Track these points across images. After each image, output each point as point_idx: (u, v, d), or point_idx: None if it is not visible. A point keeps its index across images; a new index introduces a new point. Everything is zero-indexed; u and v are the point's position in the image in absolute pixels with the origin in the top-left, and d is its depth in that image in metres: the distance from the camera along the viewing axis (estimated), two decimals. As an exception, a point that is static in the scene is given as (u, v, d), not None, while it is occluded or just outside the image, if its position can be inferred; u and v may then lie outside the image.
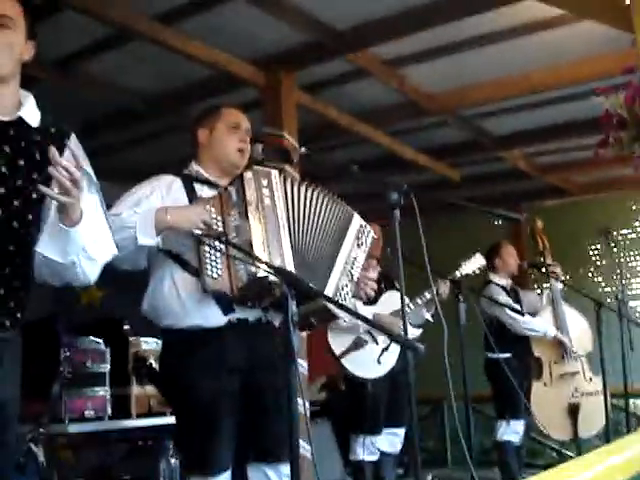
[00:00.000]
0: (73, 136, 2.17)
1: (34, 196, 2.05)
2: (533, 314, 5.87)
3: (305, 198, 2.92)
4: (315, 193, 2.95)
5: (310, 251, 2.87)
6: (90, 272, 2.13)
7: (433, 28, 4.52)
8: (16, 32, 2.07)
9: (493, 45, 4.88)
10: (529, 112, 6.07)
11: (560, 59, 5.09)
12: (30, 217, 2.06)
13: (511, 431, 5.69)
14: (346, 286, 2.93)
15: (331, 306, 2.81)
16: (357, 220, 3.05)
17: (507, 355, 5.54)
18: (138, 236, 2.65)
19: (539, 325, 5.74)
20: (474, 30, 4.69)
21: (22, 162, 2.04)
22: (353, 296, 3.01)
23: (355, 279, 2.97)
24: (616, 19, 3.97)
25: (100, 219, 2.18)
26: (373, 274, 3.12)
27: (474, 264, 5.00)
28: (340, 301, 2.87)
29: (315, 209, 2.92)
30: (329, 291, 2.84)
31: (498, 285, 5.85)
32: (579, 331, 5.88)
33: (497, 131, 6.61)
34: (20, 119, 2.07)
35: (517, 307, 5.66)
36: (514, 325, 5.70)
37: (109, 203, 2.95)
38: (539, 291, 6.43)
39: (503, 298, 5.72)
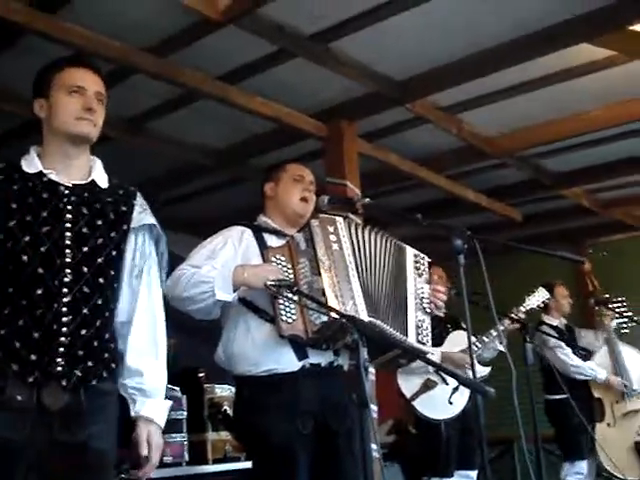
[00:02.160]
0: (139, 195, 2.35)
1: (113, 253, 2.22)
2: (590, 353, 5.83)
3: (369, 241, 2.99)
4: (375, 235, 3.02)
5: (380, 293, 2.92)
6: None
7: (488, 74, 4.61)
8: (104, 108, 2.27)
9: (547, 87, 4.94)
10: (586, 150, 6.08)
11: (614, 98, 5.13)
12: (112, 272, 2.22)
13: (574, 472, 5.64)
14: (423, 321, 2.97)
15: (415, 346, 2.88)
16: (410, 251, 3.09)
17: (564, 396, 5.47)
18: (216, 292, 2.74)
19: (589, 369, 5.70)
20: (528, 74, 4.77)
21: (100, 222, 2.20)
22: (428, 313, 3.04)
23: (428, 310, 3.01)
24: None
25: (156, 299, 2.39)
26: (441, 287, 3.14)
27: (538, 298, 5.02)
28: (423, 337, 2.92)
29: (377, 251, 2.99)
30: (411, 333, 2.89)
31: (550, 326, 5.81)
32: (639, 368, 5.82)
33: (556, 169, 6.62)
34: (93, 182, 2.25)
35: (568, 349, 5.63)
36: (564, 367, 5.67)
37: (178, 253, 3.10)
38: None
39: (553, 340, 5.69)
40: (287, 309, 2.74)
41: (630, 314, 7.91)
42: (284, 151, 5.46)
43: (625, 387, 5.70)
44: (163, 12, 3.91)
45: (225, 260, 2.87)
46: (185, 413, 4.41)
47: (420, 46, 4.43)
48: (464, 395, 4.79)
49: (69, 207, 2.17)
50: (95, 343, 2.14)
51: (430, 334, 2.99)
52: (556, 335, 5.68)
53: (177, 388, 4.41)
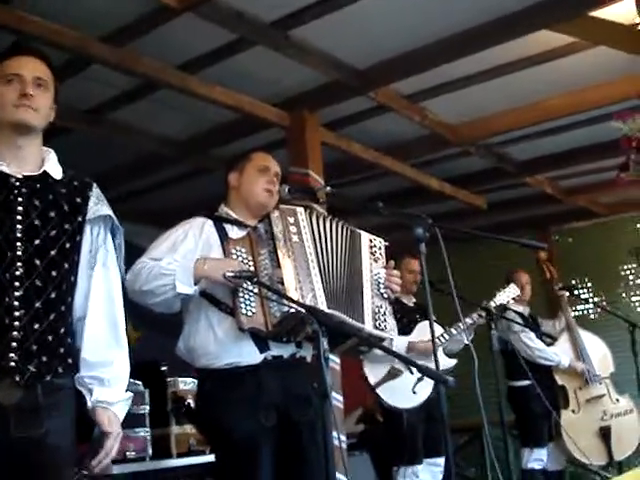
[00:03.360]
0: (94, 186, 2.31)
1: (67, 246, 2.18)
2: (554, 339, 5.88)
3: (330, 231, 2.97)
4: (335, 224, 3.01)
5: (340, 283, 2.90)
6: None
7: (450, 62, 4.61)
8: (49, 94, 2.24)
9: (509, 75, 4.94)
10: (550, 137, 6.11)
11: (575, 85, 5.15)
12: (66, 265, 2.18)
13: (534, 459, 5.69)
14: (381, 307, 2.96)
15: (373, 332, 2.87)
16: (365, 236, 3.07)
17: (527, 382, 5.51)
18: (177, 284, 2.72)
19: (553, 354, 5.74)
20: (490, 62, 4.77)
21: (53, 214, 2.16)
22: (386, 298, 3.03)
23: (386, 296, 3.00)
24: (629, 43, 4.04)
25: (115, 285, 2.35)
26: (395, 272, 3.11)
27: (508, 294, 5.04)
28: (380, 323, 2.91)
29: (337, 240, 2.98)
30: (367, 319, 2.88)
31: (515, 312, 5.84)
32: (600, 354, 5.90)
33: (519, 157, 6.66)
34: (45, 173, 2.21)
35: (532, 333, 5.67)
36: (528, 352, 5.70)
37: (141, 245, 3.06)
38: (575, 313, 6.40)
39: (518, 326, 5.72)
40: (247, 302, 2.73)
41: (596, 300, 8.00)
42: (247, 141, 5.41)
43: (588, 373, 5.74)
44: (120, 0, 3.84)
45: (186, 252, 2.85)
46: (148, 407, 4.39)
47: (381, 34, 4.40)
48: (428, 385, 4.78)
49: (20, 199, 2.12)
50: (50, 337, 2.10)
51: (389, 319, 2.98)
52: (520, 322, 5.71)
53: (139, 382, 4.37)
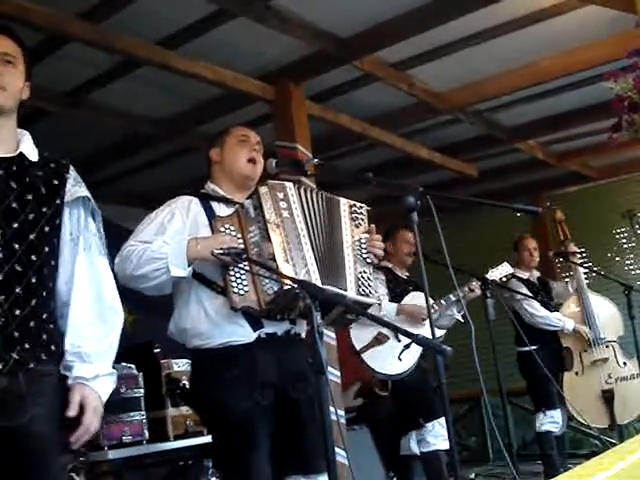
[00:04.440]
0: (71, 168, 2.24)
1: (46, 229, 2.11)
2: (560, 305, 5.86)
3: (319, 205, 2.92)
4: (316, 196, 2.95)
5: (328, 254, 2.86)
6: None
7: (436, 27, 4.52)
8: (17, 70, 2.15)
9: (497, 38, 4.86)
10: (540, 101, 6.04)
11: (565, 46, 5.05)
12: (47, 249, 2.11)
13: (549, 421, 5.68)
14: (364, 272, 2.90)
15: (357, 299, 2.82)
16: (345, 202, 3.00)
17: (536, 347, 5.53)
18: (171, 268, 2.68)
19: (556, 320, 5.72)
20: (477, 25, 4.68)
21: (30, 196, 2.09)
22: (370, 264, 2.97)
23: (369, 260, 2.94)
24: (617, 1, 3.96)
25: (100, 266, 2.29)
26: (377, 236, 3.03)
27: (500, 272, 5.03)
28: (365, 289, 2.85)
29: (321, 211, 2.92)
30: (350, 286, 2.82)
31: (518, 278, 5.82)
32: (608, 317, 5.85)
33: (510, 123, 6.58)
34: (21, 155, 2.13)
35: (535, 298, 5.65)
36: (531, 319, 5.72)
37: (129, 227, 2.99)
38: (567, 279, 6.36)
39: (522, 291, 5.70)
40: (238, 280, 2.69)
41: (590, 264, 7.96)
42: (232, 117, 5.31)
43: (593, 335, 5.71)
44: (93, -26, 3.74)
45: (174, 233, 2.79)
46: (142, 390, 4.35)
47: (365, 1, 4.31)
48: (415, 352, 4.73)
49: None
50: (32, 324, 2.04)
51: (374, 284, 2.93)
52: (524, 292, 5.68)
53: (133, 365, 4.34)
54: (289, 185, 2.89)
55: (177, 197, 2.96)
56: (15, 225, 2.04)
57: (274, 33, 4.44)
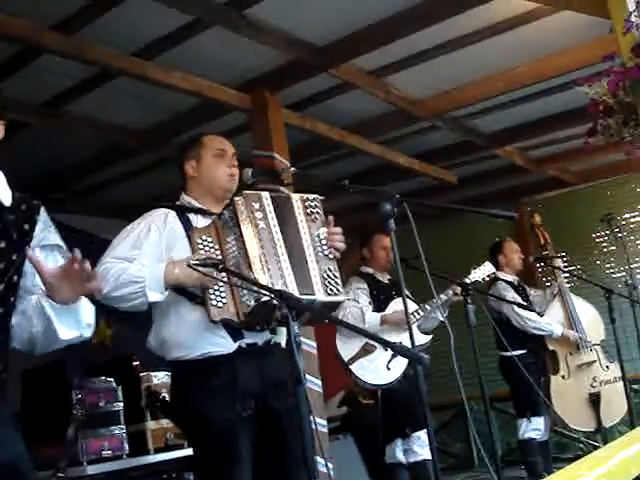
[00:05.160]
0: (42, 210, 2.09)
1: (15, 278, 1.97)
2: (541, 312, 5.85)
3: (279, 210, 2.88)
4: (279, 201, 2.91)
5: (295, 258, 2.82)
6: (87, 332, 2.10)
7: (411, 35, 4.52)
8: None
9: (473, 45, 4.87)
10: (517, 107, 6.06)
11: (540, 52, 5.08)
12: (12, 299, 1.98)
13: (532, 428, 5.66)
14: (329, 269, 2.86)
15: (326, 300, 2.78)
16: (296, 198, 2.95)
17: (521, 352, 5.54)
18: (147, 292, 2.67)
19: (546, 324, 5.71)
20: (452, 32, 4.70)
21: (3, 244, 1.95)
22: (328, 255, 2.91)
23: (331, 255, 2.89)
24: (592, 6, 3.98)
25: None
26: (336, 228, 2.98)
27: (483, 272, 5.01)
28: (332, 288, 2.81)
29: (284, 216, 2.88)
30: (317, 287, 2.79)
31: (506, 281, 5.83)
32: (590, 320, 5.86)
33: (488, 129, 6.60)
34: None
35: (524, 304, 5.64)
36: (521, 323, 5.69)
37: (106, 238, 2.96)
38: (548, 284, 6.38)
39: (511, 295, 5.71)
40: (217, 292, 2.68)
41: (571, 269, 7.99)
42: (209, 127, 5.29)
43: (580, 339, 5.72)
44: (65, -15, 3.72)
45: (152, 249, 2.78)
46: (122, 404, 4.31)
47: (339, 9, 4.31)
48: (403, 361, 4.73)
49: None
50: None
51: (339, 280, 2.87)
52: (513, 296, 5.68)
53: (112, 379, 4.30)
54: (265, 194, 2.87)
55: (153, 210, 2.93)
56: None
57: (250, 42, 4.42)
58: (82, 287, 1.93)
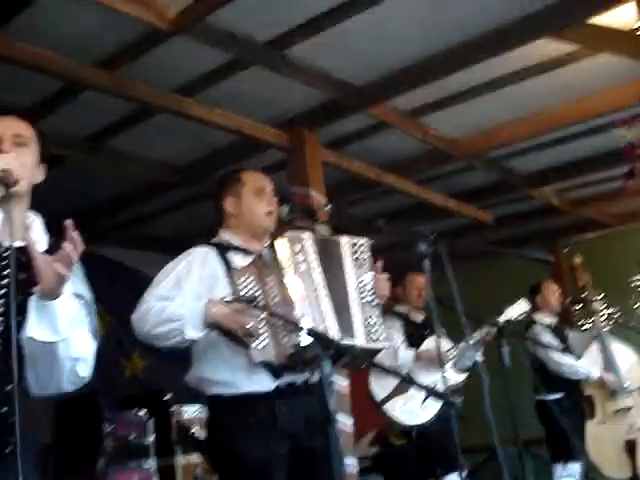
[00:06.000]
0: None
1: None
2: (580, 355, 5.77)
3: (325, 253, 2.89)
4: (326, 244, 2.93)
5: (338, 303, 2.82)
6: (81, 367, 2.02)
7: (449, 75, 4.55)
8: (30, 153, 2.10)
9: (510, 86, 4.88)
10: (554, 148, 6.04)
11: (578, 94, 5.07)
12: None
13: (567, 474, 5.55)
14: (371, 316, 2.86)
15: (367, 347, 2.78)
16: (345, 241, 2.95)
17: (558, 396, 5.45)
18: (186, 330, 2.67)
19: (582, 368, 5.62)
20: (491, 73, 4.71)
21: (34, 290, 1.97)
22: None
23: (375, 302, 2.89)
24: (629, 49, 3.98)
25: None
26: (383, 275, 2.97)
27: (517, 310, 4.95)
28: (373, 334, 2.81)
29: (328, 258, 2.89)
30: (359, 334, 2.79)
31: (542, 325, 5.75)
32: (629, 365, 5.74)
33: (525, 170, 6.58)
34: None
35: (561, 348, 5.56)
36: (557, 368, 5.60)
37: (146, 271, 2.98)
38: (588, 326, 6.27)
39: (547, 338, 5.64)
40: (257, 335, 2.67)
41: (609, 312, 7.87)
42: (247, 163, 5.34)
43: (617, 384, 5.62)
44: (109, 24, 3.80)
45: (192, 288, 2.78)
46: (152, 437, 4.31)
47: (378, 49, 4.35)
48: (437, 401, 4.67)
49: (5, 272, 1.97)
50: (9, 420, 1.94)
51: (381, 327, 2.86)
52: (549, 335, 5.59)
53: (142, 412, 4.31)
54: (306, 236, 2.88)
55: (193, 248, 2.92)
56: (19, 318, 1.92)
57: (288, 81, 4.49)
58: (64, 271, 1.87)
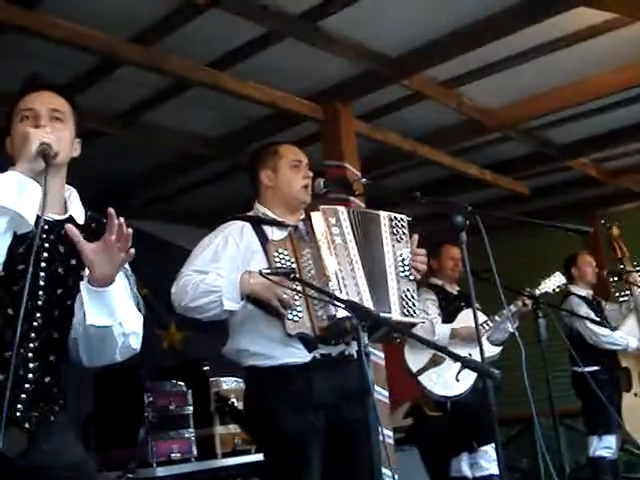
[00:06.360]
0: None
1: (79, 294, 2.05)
2: (616, 327, 5.72)
3: (362, 225, 2.92)
4: (362, 215, 2.95)
5: (374, 277, 2.85)
6: (133, 340, 2.08)
7: (485, 45, 4.49)
8: (67, 127, 2.12)
9: (547, 56, 4.80)
10: (591, 118, 5.96)
11: (615, 63, 4.99)
12: (69, 324, 2.06)
13: (604, 446, 5.54)
14: (408, 290, 2.89)
15: (401, 320, 2.80)
16: (384, 215, 2.98)
17: (594, 368, 5.43)
18: (224, 301, 2.72)
19: (620, 339, 5.58)
20: (527, 42, 4.64)
21: (74, 261, 2.05)
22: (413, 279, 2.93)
23: (412, 277, 2.92)
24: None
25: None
26: (420, 250, 3.00)
27: (553, 282, 4.93)
28: (409, 308, 2.84)
29: (366, 231, 2.92)
30: (394, 307, 2.82)
31: (578, 296, 5.72)
32: (669, 336, 5.70)
33: (561, 140, 6.50)
34: (70, 218, 2.09)
35: (597, 319, 5.52)
36: (594, 339, 5.57)
37: (182, 245, 3.01)
38: (625, 298, 6.21)
39: (584, 310, 5.60)
40: (293, 306, 2.71)
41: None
42: (281, 136, 5.33)
43: None
44: (143, -1, 3.80)
45: (229, 262, 2.83)
46: (191, 408, 4.38)
47: (413, 20, 4.30)
48: (472, 373, 4.67)
49: (46, 245, 2.02)
50: (55, 389, 2.06)
51: (416, 302, 2.90)
52: (585, 311, 5.56)
53: (182, 383, 4.37)
54: (341, 209, 2.90)
55: (229, 222, 2.97)
56: (59, 291, 2.02)
57: (322, 53, 4.46)
58: (119, 257, 1.91)
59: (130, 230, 1.89)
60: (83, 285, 1.95)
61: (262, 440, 3.00)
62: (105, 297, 1.96)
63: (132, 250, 1.91)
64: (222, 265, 2.81)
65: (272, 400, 2.78)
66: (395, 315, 2.81)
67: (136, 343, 2.08)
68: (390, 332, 2.82)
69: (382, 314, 2.74)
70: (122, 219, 1.87)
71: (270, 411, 2.78)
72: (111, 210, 1.87)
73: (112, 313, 1.98)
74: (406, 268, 2.92)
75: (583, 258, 5.95)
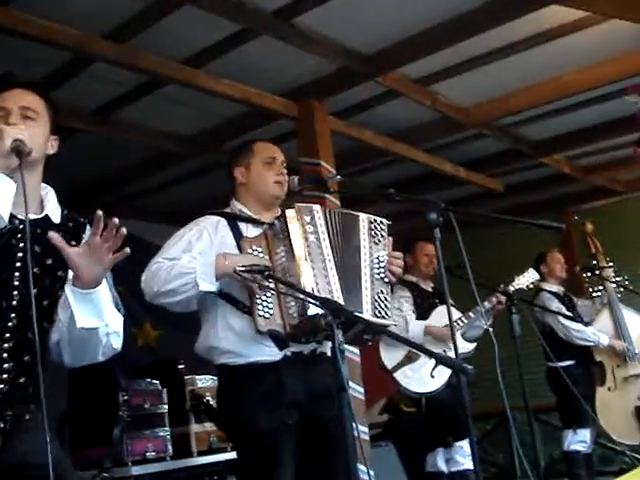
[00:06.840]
0: (88, 228, 2.16)
1: (59, 294, 2.04)
2: (589, 322, 5.78)
3: (340, 224, 2.92)
4: (341, 215, 2.95)
5: (347, 276, 2.85)
6: (114, 340, 2.08)
7: (459, 43, 4.51)
8: (40, 125, 2.10)
9: (521, 53, 4.84)
10: (565, 115, 6.00)
11: (589, 61, 5.03)
12: (54, 316, 2.05)
13: (578, 440, 5.59)
14: (382, 292, 2.88)
15: (373, 321, 2.80)
16: (364, 217, 2.98)
17: (568, 363, 5.48)
18: (199, 282, 2.69)
19: (592, 335, 5.64)
20: (500, 40, 4.67)
21: (50, 261, 2.04)
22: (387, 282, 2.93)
23: (387, 280, 2.92)
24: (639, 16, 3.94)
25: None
26: (397, 253, 3.01)
27: (527, 279, 4.97)
28: (381, 310, 2.84)
29: (343, 231, 2.92)
30: (366, 308, 2.82)
31: (549, 292, 5.77)
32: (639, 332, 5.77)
33: (535, 137, 6.55)
34: (46, 217, 2.09)
35: (569, 314, 5.57)
36: (567, 334, 5.62)
37: (155, 242, 3.00)
38: (598, 293, 6.27)
39: (555, 305, 5.65)
40: (264, 303, 2.70)
41: (618, 279, 7.86)
42: (256, 134, 5.31)
43: (627, 351, 5.64)
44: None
45: (201, 251, 2.81)
46: (166, 406, 4.37)
47: (387, 18, 4.31)
48: (447, 370, 4.71)
49: (21, 245, 2.00)
50: (29, 390, 2.03)
51: (390, 304, 2.91)
52: (557, 306, 5.61)
53: (157, 381, 4.36)
54: (316, 208, 2.90)
55: (205, 216, 2.97)
56: (34, 291, 1.97)
57: (297, 51, 4.46)
58: (108, 258, 1.91)
59: (124, 230, 1.89)
60: (68, 288, 1.95)
61: (235, 438, 3.00)
62: (93, 298, 1.96)
63: (127, 249, 1.91)
64: (195, 255, 2.79)
65: (244, 399, 2.78)
66: (367, 316, 2.81)
67: (117, 343, 2.08)
68: (362, 332, 2.82)
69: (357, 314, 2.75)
70: (116, 220, 1.87)
71: (242, 410, 2.78)
72: (99, 212, 1.86)
73: (100, 314, 1.98)
74: (382, 270, 2.92)
75: (552, 256, 5.99)
